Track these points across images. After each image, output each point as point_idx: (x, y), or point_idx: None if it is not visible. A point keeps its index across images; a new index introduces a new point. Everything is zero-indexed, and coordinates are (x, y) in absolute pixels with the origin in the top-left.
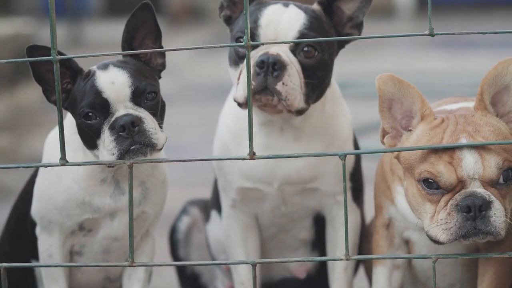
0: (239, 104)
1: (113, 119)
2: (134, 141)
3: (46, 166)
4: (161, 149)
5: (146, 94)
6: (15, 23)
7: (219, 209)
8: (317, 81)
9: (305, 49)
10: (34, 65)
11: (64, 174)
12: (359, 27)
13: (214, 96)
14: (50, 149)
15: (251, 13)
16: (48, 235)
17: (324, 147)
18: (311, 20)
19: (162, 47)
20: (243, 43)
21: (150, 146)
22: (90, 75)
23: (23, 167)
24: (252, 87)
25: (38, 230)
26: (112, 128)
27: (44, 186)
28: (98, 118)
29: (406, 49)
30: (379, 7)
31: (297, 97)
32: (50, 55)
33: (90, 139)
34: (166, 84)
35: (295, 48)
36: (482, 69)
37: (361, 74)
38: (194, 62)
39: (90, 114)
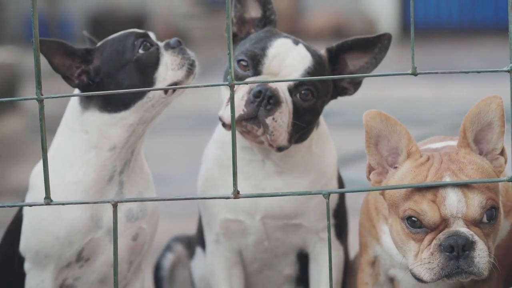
0: (223, 124)
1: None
2: None
3: (30, 206)
4: None
5: None
6: None
7: (203, 245)
8: (304, 124)
9: (303, 91)
10: (48, 56)
11: (70, 194)
12: (356, 85)
13: (198, 125)
14: (40, 186)
15: (260, 40)
16: (40, 270)
17: (308, 183)
18: (316, 65)
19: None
20: (227, 83)
21: None
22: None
23: (8, 206)
24: (242, 112)
25: (27, 266)
26: (167, 47)
27: (40, 218)
28: (153, 46)
29: (390, 76)
30: (362, 32)
31: (281, 135)
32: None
33: (144, 79)
34: None
35: (293, 88)
36: (466, 97)
37: (344, 102)
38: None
39: (146, 44)
